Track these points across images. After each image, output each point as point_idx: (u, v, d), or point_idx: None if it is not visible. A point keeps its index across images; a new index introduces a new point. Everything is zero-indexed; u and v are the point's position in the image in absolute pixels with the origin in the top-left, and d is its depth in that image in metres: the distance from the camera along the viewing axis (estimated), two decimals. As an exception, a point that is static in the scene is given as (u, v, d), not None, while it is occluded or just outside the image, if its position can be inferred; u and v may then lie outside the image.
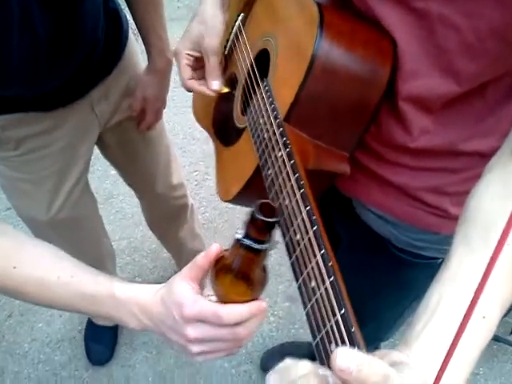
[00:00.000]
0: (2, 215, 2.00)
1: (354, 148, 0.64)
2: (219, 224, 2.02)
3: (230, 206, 2.04)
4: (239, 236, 0.48)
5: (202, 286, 0.55)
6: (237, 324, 0.51)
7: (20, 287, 0.61)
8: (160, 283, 0.58)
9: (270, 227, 0.48)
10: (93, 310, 0.60)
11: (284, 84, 0.63)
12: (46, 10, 0.75)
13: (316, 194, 0.52)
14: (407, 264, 0.78)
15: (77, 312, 0.63)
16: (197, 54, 0.75)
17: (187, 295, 0.52)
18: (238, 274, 0.51)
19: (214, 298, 0.53)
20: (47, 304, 0.63)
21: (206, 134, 0.92)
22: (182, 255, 1.69)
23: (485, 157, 0.58)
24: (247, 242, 0.48)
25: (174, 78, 1.23)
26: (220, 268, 0.53)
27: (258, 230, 0.48)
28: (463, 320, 0.29)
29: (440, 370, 0.30)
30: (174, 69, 1.24)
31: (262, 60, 0.72)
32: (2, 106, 0.93)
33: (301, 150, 0.57)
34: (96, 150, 1.32)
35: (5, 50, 0.73)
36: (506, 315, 1.49)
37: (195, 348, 0.53)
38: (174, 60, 1.14)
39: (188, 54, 0.75)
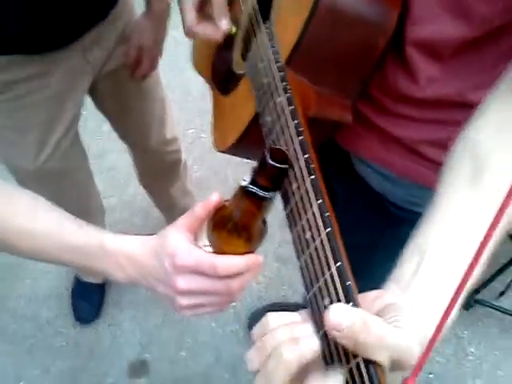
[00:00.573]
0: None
1: (357, 96, 0.61)
2: (212, 183, 1.98)
3: (224, 164, 2.01)
4: (245, 183, 0.45)
5: (196, 237, 0.52)
6: (231, 277, 0.49)
7: (3, 236, 0.59)
8: None
9: (280, 174, 0.45)
10: (81, 262, 0.57)
11: (286, 26, 0.59)
12: None
13: (315, 144, 0.48)
14: (404, 221, 0.76)
15: (64, 264, 0.60)
16: None
17: (181, 245, 0.49)
18: (238, 223, 0.48)
19: (209, 249, 0.50)
20: (34, 255, 0.61)
21: (202, 91, 0.88)
22: (172, 212, 1.67)
23: None
24: (254, 188, 0.44)
25: (172, 32, 1.18)
26: (219, 217, 0.50)
27: (268, 176, 0.44)
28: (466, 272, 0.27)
29: (440, 322, 0.27)
30: (170, 23, 1.19)
31: (265, 3, 0.67)
32: None
33: (302, 95, 0.54)
34: (89, 106, 1.27)
35: None
36: (492, 280, 1.50)
37: (184, 301, 0.50)
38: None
39: None
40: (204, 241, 0.51)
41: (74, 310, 1.68)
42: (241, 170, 1.93)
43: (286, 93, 0.52)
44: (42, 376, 1.57)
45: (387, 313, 0.36)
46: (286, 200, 0.48)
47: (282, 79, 0.54)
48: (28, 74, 0.97)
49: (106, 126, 1.40)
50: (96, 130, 2.06)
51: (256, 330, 0.39)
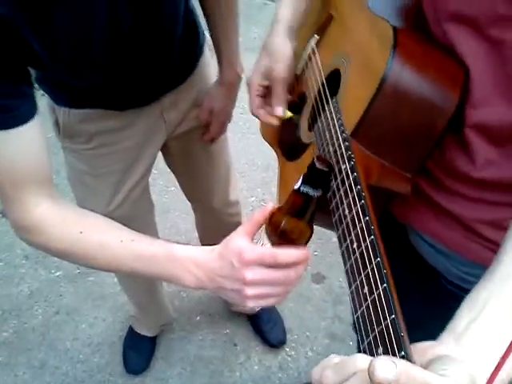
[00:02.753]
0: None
1: (417, 171, 0.64)
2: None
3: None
4: (296, 186, 0.56)
5: (253, 242, 0.61)
6: (288, 266, 0.58)
7: (85, 251, 0.69)
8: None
9: (324, 176, 0.55)
10: (153, 271, 0.66)
11: (353, 102, 0.65)
12: (129, 4, 0.80)
13: (377, 207, 0.52)
14: (455, 297, 0.75)
15: (138, 273, 0.68)
16: (266, 83, 0.81)
17: (245, 244, 0.59)
18: (291, 220, 0.58)
19: (268, 246, 0.60)
20: (107, 266, 0.70)
21: (266, 161, 0.95)
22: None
23: None
24: (304, 188, 0.55)
25: (243, 105, 1.28)
26: (275, 218, 0.60)
27: (315, 178, 0.55)
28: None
29: (495, 370, 0.29)
30: (242, 95, 1.30)
31: (334, 80, 0.74)
32: (83, 100, 1.00)
33: (364, 165, 0.58)
34: (160, 165, 1.38)
35: (88, 34, 0.78)
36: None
37: (250, 291, 0.59)
38: (243, 81, 1.19)
39: (259, 85, 0.81)
40: (262, 241, 0.61)
41: (125, 359, 1.71)
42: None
43: (350, 161, 0.57)
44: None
45: (437, 363, 0.38)
46: (345, 258, 0.51)
47: (347, 148, 0.59)
48: (111, 126, 1.06)
49: (173, 187, 1.48)
50: (163, 190, 2.19)
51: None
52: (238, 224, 1.56)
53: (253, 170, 2.31)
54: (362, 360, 0.37)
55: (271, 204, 0.62)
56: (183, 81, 1.11)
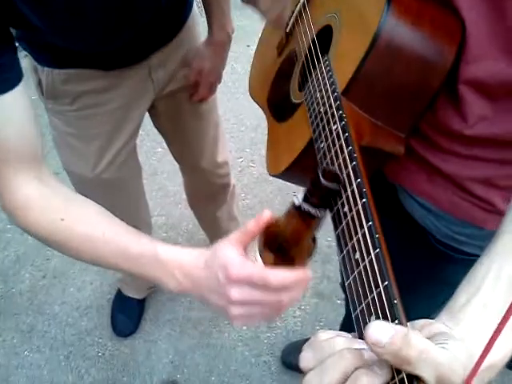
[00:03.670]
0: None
1: (411, 131, 0.62)
2: (258, 211, 2.00)
3: (272, 194, 2.04)
4: (297, 201, 0.47)
5: (246, 252, 0.54)
6: (281, 290, 0.50)
7: (66, 240, 0.63)
8: None
9: (332, 194, 0.47)
10: (136, 270, 0.61)
11: (345, 59, 0.62)
12: None
13: (370, 169, 0.50)
14: (446, 258, 0.76)
15: (121, 271, 0.64)
16: None
17: (234, 257, 0.51)
18: (289, 239, 0.50)
19: (259, 262, 0.52)
20: (89, 259, 0.64)
21: (256, 122, 0.92)
22: (217, 236, 1.69)
23: None
24: (306, 206, 0.47)
25: (232, 64, 1.24)
26: (271, 233, 0.52)
27: (320, 195, 0.46)
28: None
29: (488, 343, 0.28)
30: (231, 54, 1.25)
31: (325, 37, 0.70)
32: (67, 60, 0.96)
33: (356, 125, 0.56)
34: (147, 127, 1.34)
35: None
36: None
37: (236, 310, 0.52)
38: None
39: None
40: (254, 255, 0.53)
41: (113, 322, 1.72)
42: (288, 201, 1.95)
43: (341, 121, 0.54)
44: (75, 383, 1.60)
45: (436, 337, 0.37)
46: (336, 221, 0.49)
47: (338, 108, 0.56)
48: (96, 87, 1.03)
49: (161, 148, 1.45)
50: (150, 151, 2.15)
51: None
52: (226, 185, 1.55)
53: (241, 131, 2.27)
54: (340, 342, 0.36)
55: (268, 213, 0.53)
56: (171, 39, 1.07)
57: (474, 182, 0.66)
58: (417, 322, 0.41)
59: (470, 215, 0.69)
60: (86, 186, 1.22)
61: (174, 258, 0.57)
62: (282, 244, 0.50)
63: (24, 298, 1.79)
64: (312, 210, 0.47)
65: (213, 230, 1.72)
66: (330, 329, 0.41)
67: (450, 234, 0.73)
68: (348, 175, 0.49)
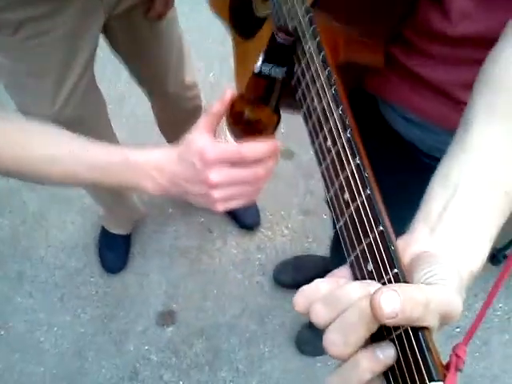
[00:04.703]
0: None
1: (391, 38, 0.56)
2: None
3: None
4: (256, 67, 0.48)
5: (216, 135, 0.54)
6: (256, 163, 0.52)
7: (33, 167, 0.61)
8: None
9: (288, 50, 0.47)
10: (109, 180, 0.59)
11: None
12: None
13: (349, 86, 0.45)
14: (433, 169, 0.73)
15: (97, 184, 0.63)
16: None
17: (206, 142, 0.52)
18: (254, 109, 0.51)
19: (232, 142, 0.54)
20: (65, 180, 0.63)
21: (223, 33, 0.83)
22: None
23: None
24: (264, 68, 0.47)
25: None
26: (236, 108, 0.52)
27: (277, 53, 0.47)
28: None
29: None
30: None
31: None
32: None
33: (331, 40, 0.50)
34: (106, 53, 1.23)
35: None
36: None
37: (218, 193, 0.53)
38: None
39: None
40: (224, 137, 0.54)
41: (102, 260, 1.70)
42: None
43: (314, 38, 0.47)
44: (73, 322, 1.62)
45: (420, 267, 0.34)
46: (319, 157, 0.44)
47: (310, 22, 0.49)
48: (39, 12, 0.93)
49: (125, 72, 1.35)
50: (115, 77, 2.02)
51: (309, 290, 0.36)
52: (197, 108, 1.48)
53: (208, 44, 2.13)
54: (355, 290, 0.33)
55: (230, 91, 0.53)
56: None
57: (457, 87, 0.63)
58: (399, 240, 0.38)
59: (454, 122, 0.65)
60: None
61: (147, 160, 0.56)
62: (249, 117, 0.51)
63: (7, 245, 1.75)
64: (272, 70, 0.47)
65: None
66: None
67: (436, 144, 0.70)
68: (328, 104, 0.43)
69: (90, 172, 0.59)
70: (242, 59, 0.72)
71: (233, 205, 0.55)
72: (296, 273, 1.62)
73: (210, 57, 2.10)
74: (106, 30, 1.12)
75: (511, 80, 0.45)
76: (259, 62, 0.48)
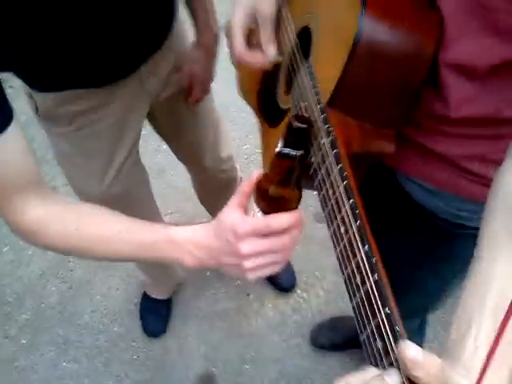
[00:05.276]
0: (60, 190, 2.09)
1: (401, 127, 0.62)
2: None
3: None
4: (277, 149, 0.54)
5: (246, 212, 0.60)
6: (282, 233, 0.57)
7: (85, 246, 0.68)
8: None
9: (304, 134, 0.53)
10: (153, 256, 0.67)
11: (327, 66, 0.61)
12: None
13: (361, 173, 0.51)
14: (450, 235, 0.77)
15: (137, 261, 0.69)
16: (252, 26, 0.73)
17: (237, 218, 0.58)
18: (277, 186, 0.56)
19: (260, 215, 0.59)
20: (109, 258, 0.70)
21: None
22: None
23: None
24: (285, 149, 0.53)
25: (228, 49, 1.22)
26: (262, 185, 0.58)
27: (294, 137, 0.53)
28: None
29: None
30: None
31: (305, 38, 0.69)
32: (58, 82, 0.97)
33: (345, 134, 0.56)
34: (149, 127, 1.35)
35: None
36: None
37: (248, 263, 0.58)
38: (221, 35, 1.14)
39: (243, 28, 0.73)
40: (254, 212, 0.60)
41: (143, 324, 1.76)
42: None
43: (328, 136, 0.54)
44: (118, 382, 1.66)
45: None
46: (335, 242, 0.50)
47: (325, 121, 0.56)
48: (91, 105, 1.04)
49: (165, 145, 1.46)
50: (156, 149, 2.15)
51: None
52: (233, 179, 1.56)
53: (243, 117, 2.25)
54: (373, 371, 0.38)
55: (257, 172, 0.60)
56: (159, 47, 1.07)
57: (468, 159, 0.66)
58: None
59: (468, 191, 0.69)
60: (97, 203, 1.23)
61: (186, 236, 0.63)
62: (273, 194, 0.57)
63: (54, 311, 1.84)
64: (291, 151, 0.53)
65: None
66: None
67: (452, 211, 0.73)
68: (341, 195, 0.49)
69: (136, 251, 0.66)
70: (267, 145, 0.79)
71: (263, 273, 0.61)
72: (333, 334, 1.62)
73: (244, 128, 2.22)
74: (149, 115, 1.23)
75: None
76: (280, 145, 0.54)
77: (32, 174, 0.69)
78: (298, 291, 1.79)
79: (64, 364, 1.72)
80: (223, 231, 0.59)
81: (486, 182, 0.67)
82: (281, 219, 0.57)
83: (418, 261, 0.86)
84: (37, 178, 0.70)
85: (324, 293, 1.76)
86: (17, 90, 0.75)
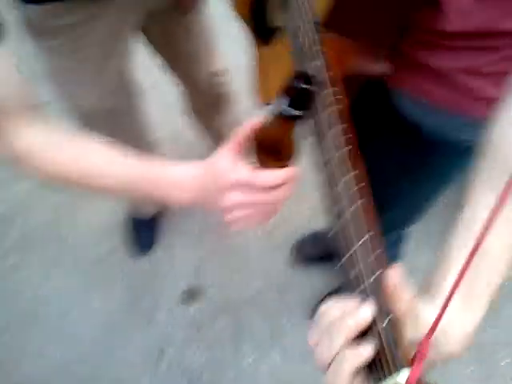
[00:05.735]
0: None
1: (394, 43, 0.62)
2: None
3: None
4: (277, 106, 0.51)
5: (245, 153, 0.59)
6: (273, 188, 0.56)
7: (72, 177, 0.67)
8: None
9: (308, 95, 0.50)
10: (147, 192, 0.65)
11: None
12: None
13: (354, 91, 0.53)
14: (434, 147, 0.80)
15: (132, 195, 0.67)
16: None
17: (230, 164, 0.56)
18: (276, 141, 0.55)
19: (256, 165, 0.57)
20: (98, 191, 0.68)
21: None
22: (219, 145, 1.71)
23: None
24: (286, 109, 0.50)
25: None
26: (260, 137, 0.56)
27: (297, 98, 0.50)
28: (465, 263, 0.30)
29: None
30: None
31: None
32: None
33: (339, 53, 0.56)
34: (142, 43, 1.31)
35: None
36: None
37: (234, 213, 0.57)
38: None
39: None
40: (252, 158, 0.58)
41: (132, 241, 1.80)
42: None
43: (322, 58, 0.53)
44: (107, 296, 1.72)
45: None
46: (322, 166, 0.51)
47: (319, 42, 0.55)
48: (77, 19, 1.00)
49: (158, 60, 1.42)
50: (148, 65, 2.07)
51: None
52: (226, 93, 1.55)
53: (237, 29, 2.15)
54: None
55: (256, 119, 0.57)
56: None
57: (461, 73, 0.67)
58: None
59: (459, 105, 0.71)
60: (88, 117, 1.22)
61: (175, 174, 0.62)
62: (271, 146, 0.55)
63: (40, 231, 1.86)
64: (293, 112, 0.50)
65: (215, 140, 1.73)
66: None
67: (438, 125, 0.75)
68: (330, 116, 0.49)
69: (126, 184, 0.65)
70: (261, 62, 0.78)
71: (249, 224, 0.60)
72: (315, 247, 1.70)
73: (239, 42, 2.12)
74: (142, 29, 1.19)
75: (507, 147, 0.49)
76: (280, 102, 0.51)
77: (27, 97, 0.67)
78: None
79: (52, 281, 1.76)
80: (213, 175, 0.58)
81: (479, 95, 0.69)
82: (274, 175, 0.55)
83: (402, 173, 0.91)
84: (32, 102, 0.68)
85: (309, 208, 1.81)
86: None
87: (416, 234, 1.43)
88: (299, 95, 0.49)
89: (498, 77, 0.65)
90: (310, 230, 1.76)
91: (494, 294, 0.45)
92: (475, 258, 0.36)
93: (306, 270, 1.70)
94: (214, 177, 0.57)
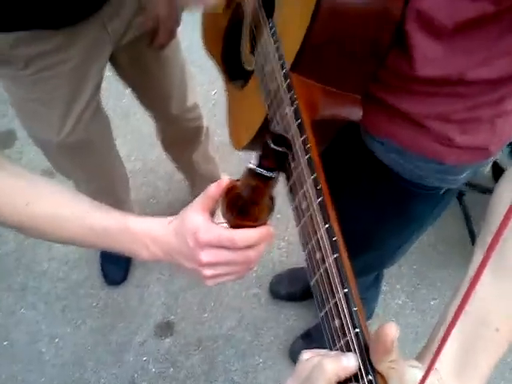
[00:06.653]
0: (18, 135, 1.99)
1: (365, 90, 0.61)
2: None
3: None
4: (251, 165, 0.50)
5: (212, 215, 0.56)
6: (248, 247, 0.54)
7: (34, 224, 0.62)
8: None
9: (281, 157, 0.49)
10: (107, 244, 0.61)
11: (290, 28, 0.59)
12: None
13: (328, 138, 0.52)
14: (410, 194, 0.79)
15: (91, 247, 0.64)
16: None
17: (200, 223, 0.54)
18: (248, 200, 0.53)
19: (225, 225, 0.55)
20: (62, 240, 0.64)
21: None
22: (195, 178, 1.70)
23: (493, 84, 0.59)
24: (259, 170, 0.49)
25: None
26: (231, 196, 0.54)
27: (271, 159, 0.49)
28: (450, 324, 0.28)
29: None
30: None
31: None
32: (12, 22, 0.90)
33: (309, 99, 0.54)
34: (113, 68, 1.29)
35: None
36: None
37: (208, 272, 0.55)
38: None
39: None
40: (220, 218, 0.56)
41: (103, 272, 1.75)
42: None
43: (292, 104, 0.52)
44: (73, 333, 1.66)
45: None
46: (298, 215, 0.49)
47: (289, 88, 0.54)
48: (50, 47, 0.98)
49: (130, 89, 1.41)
50: (121, 93, 2.06)
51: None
52: (199, 128, 1.54)
53: (211, 61, 2.17)
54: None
55: (227, 178, 0.55)
56: None
57: (429, 117, 0.67)
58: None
59: (428, 150, 0.71)
60: (55, 153, 1.19)
61: (144, 229, 0.58)
62: (243, 205, 0.53)
63: (11, 258, 1.81)
64: (266, 173, 0.49)
65: (190, 172, 1.72)
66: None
67: (413, 169, 0.75)
68: (302, 170, 0.48)
69: (89, 236, 0.61)
70: (232, 105, 0.77)
71: (223, 280, 0.58)
72: (291, 285, 1.67)
73: (213, 73, 2.13)
74: (113, 59, 1.17)
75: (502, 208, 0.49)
76: (254, 161, 0.49)
77: None
78: (260, 242, 1.80)
79: (22, 310, 1.71)
80: (185, 233, 0.55)
81: (446, 142, 0.69)
82: (247, 235, 0.53)
83: (378, 219, 0.89)
84: None
85: (285, 244, 1.79)
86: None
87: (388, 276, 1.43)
88: (272, 157, 0.48)
89: (467, 124, 0.65)
90: (286, 266, 1.74)
91: (493, 367, 0.44)
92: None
93: (281, 308, 1.67)
94: (187, 234, 0.54)
